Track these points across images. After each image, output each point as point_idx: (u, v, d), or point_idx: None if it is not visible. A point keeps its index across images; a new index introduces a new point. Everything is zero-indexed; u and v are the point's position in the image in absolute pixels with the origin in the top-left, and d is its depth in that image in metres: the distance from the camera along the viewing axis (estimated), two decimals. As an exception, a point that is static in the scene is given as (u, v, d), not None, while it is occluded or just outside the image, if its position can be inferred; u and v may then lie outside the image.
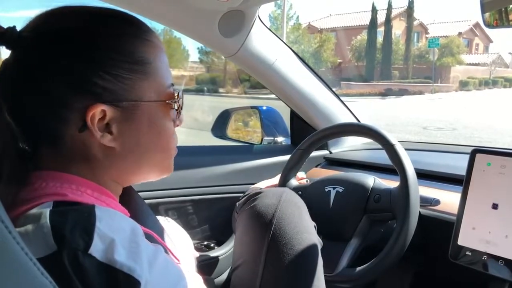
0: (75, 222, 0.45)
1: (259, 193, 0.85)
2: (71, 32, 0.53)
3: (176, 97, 0.60)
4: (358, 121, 1.53)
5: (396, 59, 29.64)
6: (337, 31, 31.93)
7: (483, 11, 0.78)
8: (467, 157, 0.95)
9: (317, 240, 0.82)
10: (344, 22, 33.34)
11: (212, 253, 1.39)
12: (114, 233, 0.46)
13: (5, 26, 0.53)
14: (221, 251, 1.41)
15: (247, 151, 1.53)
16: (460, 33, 32.75)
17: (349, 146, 1.59)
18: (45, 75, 0.51)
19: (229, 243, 1.43)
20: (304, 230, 0.80)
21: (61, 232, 0.44)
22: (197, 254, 0.90)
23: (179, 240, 0.83)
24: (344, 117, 1.50)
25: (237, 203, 1.00)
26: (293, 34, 28.56)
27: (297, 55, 1.41)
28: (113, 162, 0.56)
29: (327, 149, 1.56)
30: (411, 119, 11.61)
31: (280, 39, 1.35)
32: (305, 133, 1.28)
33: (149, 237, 0.54)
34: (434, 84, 24.69)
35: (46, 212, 0.45)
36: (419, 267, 1.24)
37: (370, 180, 1.05)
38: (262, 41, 1.26)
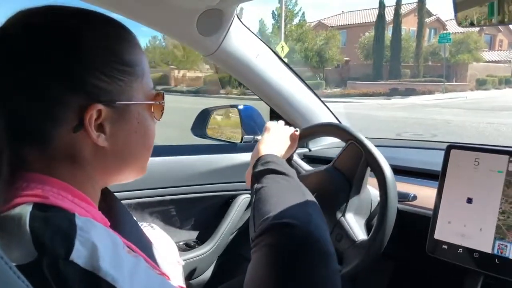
0: (56, 229, 0.44)
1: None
2: (58, 30, 0.52)
3: (161, 98, 0.63)
4: (339, 121, 1.54)
5: (407, 57, 26.96)
6: (348, 28, 30.24)
7: (456, 10, 0.80)
8: (442, 153, 0.97)
9: None
10: (356, 19, 31.58)
11: (195, 252, 1.39)
12: (96, 240, 0.44)
13: None
14: (204, 250, 1.41)
15: (228, 149, 1.53)
16: (481, 29, 30.14)
17: (328, 144, 1.61)
18: (38, 70, 0.50)
19: (210, 241, 1.43)
20: None
21: (41, 240, 0.43)
22: (182, 262, 0.90)
23: (164, 248, 0.82)
24: (323, 117, 1.51)
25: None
26: (296, 31, 27.37)
27: (276, 55, 1.41)
28: (102, 162, 0.56)
29: (306, 147, 1.57)
30: (396, 121, 10.76)
31: (259, 38, 1.35)
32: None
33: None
34: (448, 83, 22.32)
35: (26, 216, 0.44)
36: (398, 262, 1.26)
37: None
38: (240, 40, 1.26)
